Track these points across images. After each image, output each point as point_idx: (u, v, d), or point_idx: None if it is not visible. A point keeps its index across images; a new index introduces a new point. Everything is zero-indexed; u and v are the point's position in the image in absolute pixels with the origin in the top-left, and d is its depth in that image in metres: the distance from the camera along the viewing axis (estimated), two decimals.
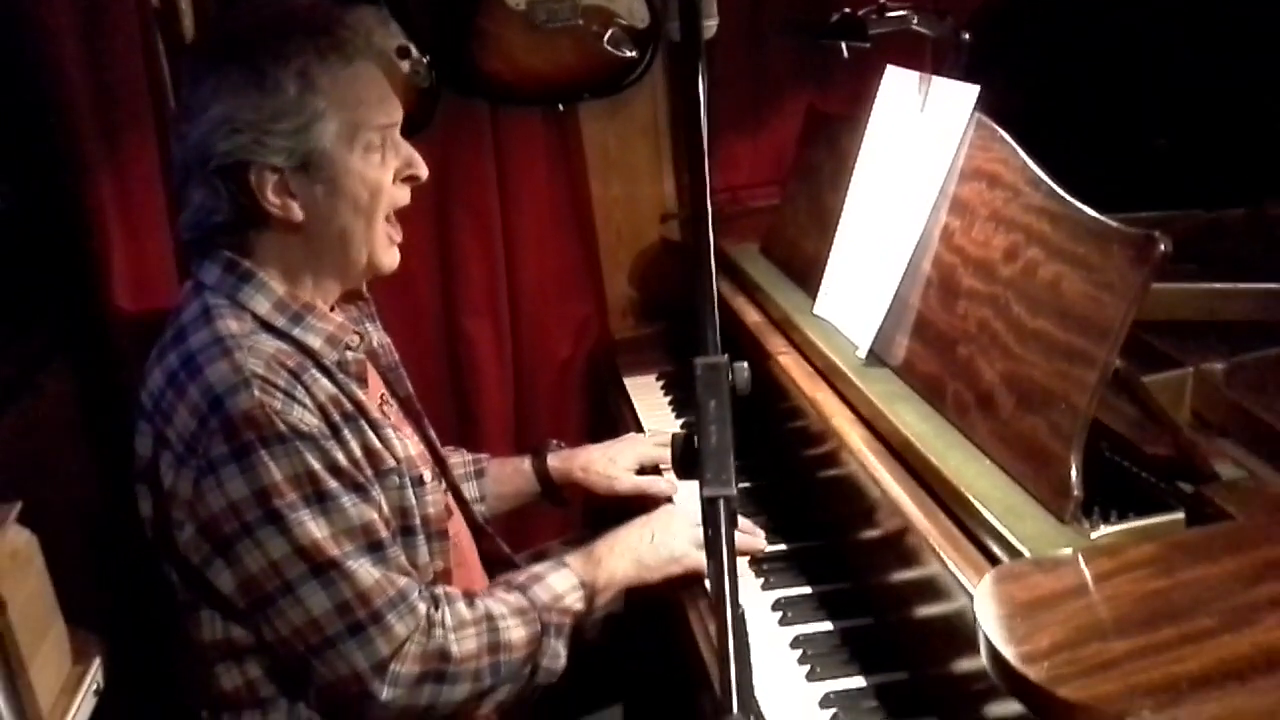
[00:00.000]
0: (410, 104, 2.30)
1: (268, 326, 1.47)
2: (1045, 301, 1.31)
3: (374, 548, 1.44)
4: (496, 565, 1.85)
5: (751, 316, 1.98)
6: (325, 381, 1.47)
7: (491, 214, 2.48)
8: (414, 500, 1.55)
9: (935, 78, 1.64)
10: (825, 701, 1.41)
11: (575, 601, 1.59)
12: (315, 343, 1.49)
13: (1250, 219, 2.04)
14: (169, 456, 1.43)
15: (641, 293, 2.66)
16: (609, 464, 1.96)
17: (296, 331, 1.48)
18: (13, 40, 1.72)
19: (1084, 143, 2.21)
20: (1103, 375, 1.20)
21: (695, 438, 1.06)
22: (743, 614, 1.03)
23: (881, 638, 1.50)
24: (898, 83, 1.74)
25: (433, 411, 2.43)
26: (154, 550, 1.50)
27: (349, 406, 1.49)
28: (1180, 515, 1.21)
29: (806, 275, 1.94)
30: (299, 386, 1.43)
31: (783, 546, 1.75)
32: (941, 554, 1.24)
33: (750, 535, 1.73)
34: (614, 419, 2.39)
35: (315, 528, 1.40)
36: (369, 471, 1.48)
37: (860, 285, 1.72)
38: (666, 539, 1.67)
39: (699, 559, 1.67)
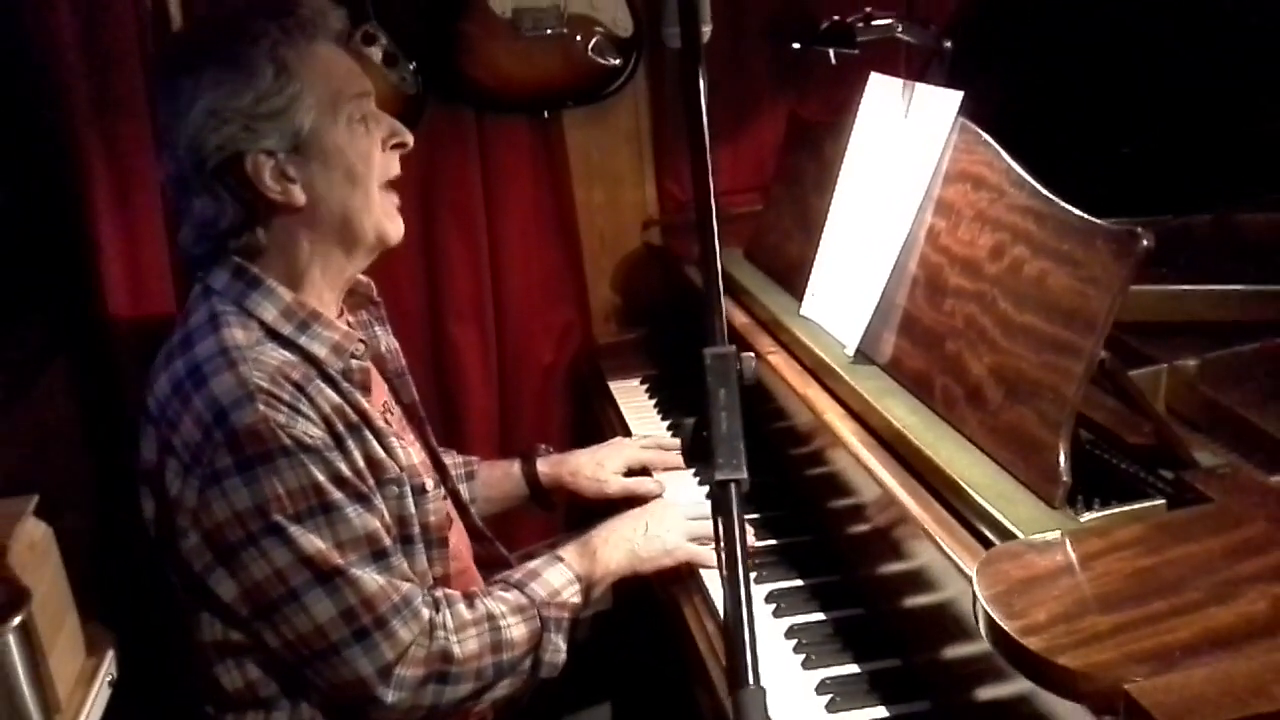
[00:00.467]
0: (396, 110, 2.35)
1: (274, 334, 1.48)
2: (1031, 296, 1.37)
3: (378, 555, 1.46)
4: (493, 568, 1.87)
5: (739, 318, 2.02)
6: (330, 392, 1.49)
7: (476, 220, 2.51)
8: (414, 509, 1.57)
9: (918, 84, 1.70)
10: (821, 687, 1.45)
11: (572, 595, 1.62)
12: (321, 351, 1.50)
13: (1216, 224, 2.11)
14: (175, 464, 1.44)
15: (624, 298, 2.70)
16: (597, 468, 1.99)
17: (302, 340, 1.50)
18: (13, 42, 1.74)
19: (1055, 150, 2.28)
20: (1089, 365, 1.25)
21: (704, 426, 1.10)
22: (752, 597, 1.07)
23: (873, 626, 1.55)
24: (881, 89, 1.79)
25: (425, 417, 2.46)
26: (156, 551, 1.51)
27: (353, 416, 1.50)
28: (1162, 502, 1.27)
29: (792, 278, 1.99)
30: (303, 399, 1.44)
31: (773, 541, 1.79)
32: (938, 540, 1.29)
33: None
34: (598, 423, 2.42)
35: (319, 538, 1.41)
36: (371, 481, 1.50)
37: (847, 286, 1.77)
38: (660, 531, 1.71)
39: (691, 551, 1.71)
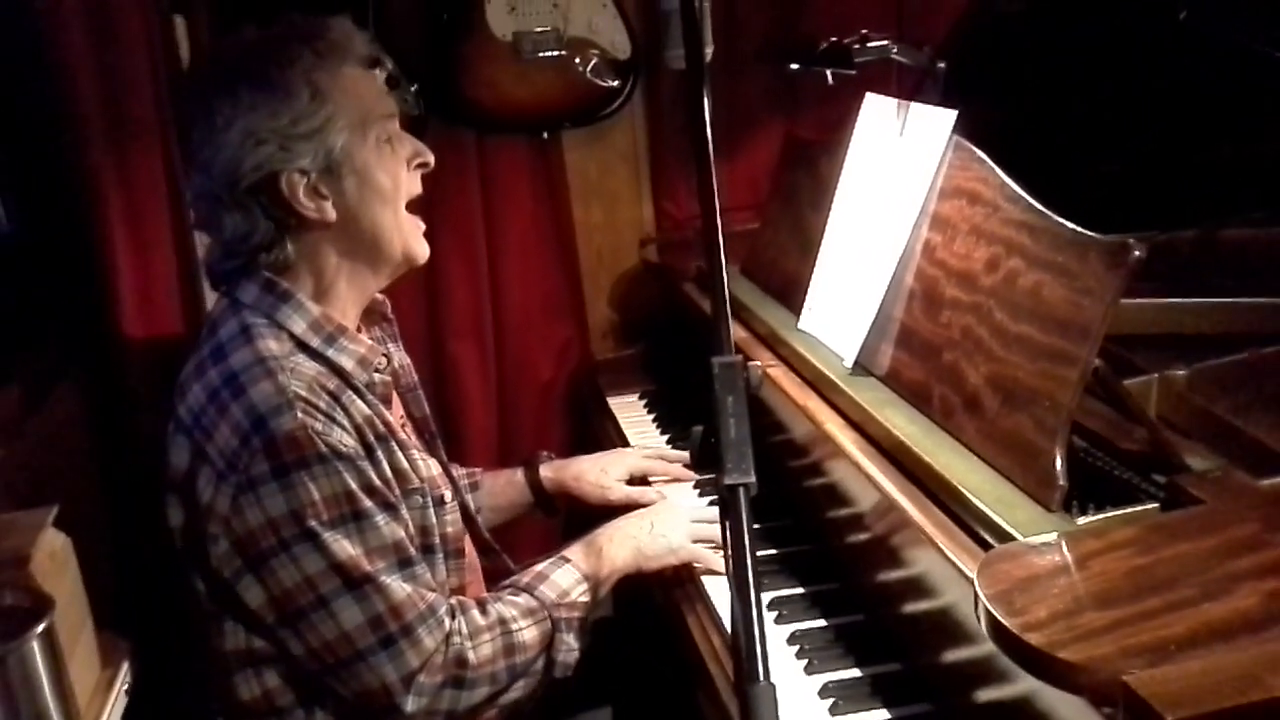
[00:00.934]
0: None
1: (304, 346, 1.52)
2: (1027, 307, 1.41)
3: (404, 564, 1.49)
4: (500, 579, 1.90)
5: (738, 333, 2.05)
6: (360, 403, 1.53)
7: (476, 238, 2.55)
8: (435, 519, 1.61)
9: (913, 104, 1.75)
10: (824, 691, 1.48)
11: (581, 595, 1.65)
12: (348, 364, 1.54)
13: (1201, 239, 2.16)
14: (208, 472, 1.46)
15: (622, 314, 2.74)
16: (601, 474, 2.03)
17: (330, 352, 1.53)
18: (25, 64, 1.77)
19: (1046, 167, 2.33)
20: (1084, 373, 1.29)
21: (712, 433, 1.14)
22: (761, 597, 1.11)
23: (874, 631, 1.58)
24: (877, 109, 1.84)
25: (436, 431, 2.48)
26: (181, 560, 1.53)
27: (381, 427, 1.54)
28: (1155, 505, 1.31)
29: (789, 294, 2.03)
30: (338, 408, 1.48)
31: (774, 551, 1.82)
32: (939, 544, 1.32)
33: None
34: (597, 438, 2.45)
35: (350, 545, 1.44)
36: (398, 491, 1.54)
37: (844, 300, 1.81)
38: (665, 530, 1.74)
39: (694, 551, 1.75)
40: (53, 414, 1.75)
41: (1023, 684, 1.16)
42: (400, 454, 1.56)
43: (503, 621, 1.57)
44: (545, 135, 2.54)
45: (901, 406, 1.60)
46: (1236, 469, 1.40)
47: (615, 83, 2.47)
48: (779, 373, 1.86)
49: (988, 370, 1.45)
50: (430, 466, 1.65)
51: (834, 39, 1.78)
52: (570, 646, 1.61)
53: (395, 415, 1.67)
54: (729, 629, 1.56)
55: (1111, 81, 2.23)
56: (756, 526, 1.86)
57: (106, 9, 1.83)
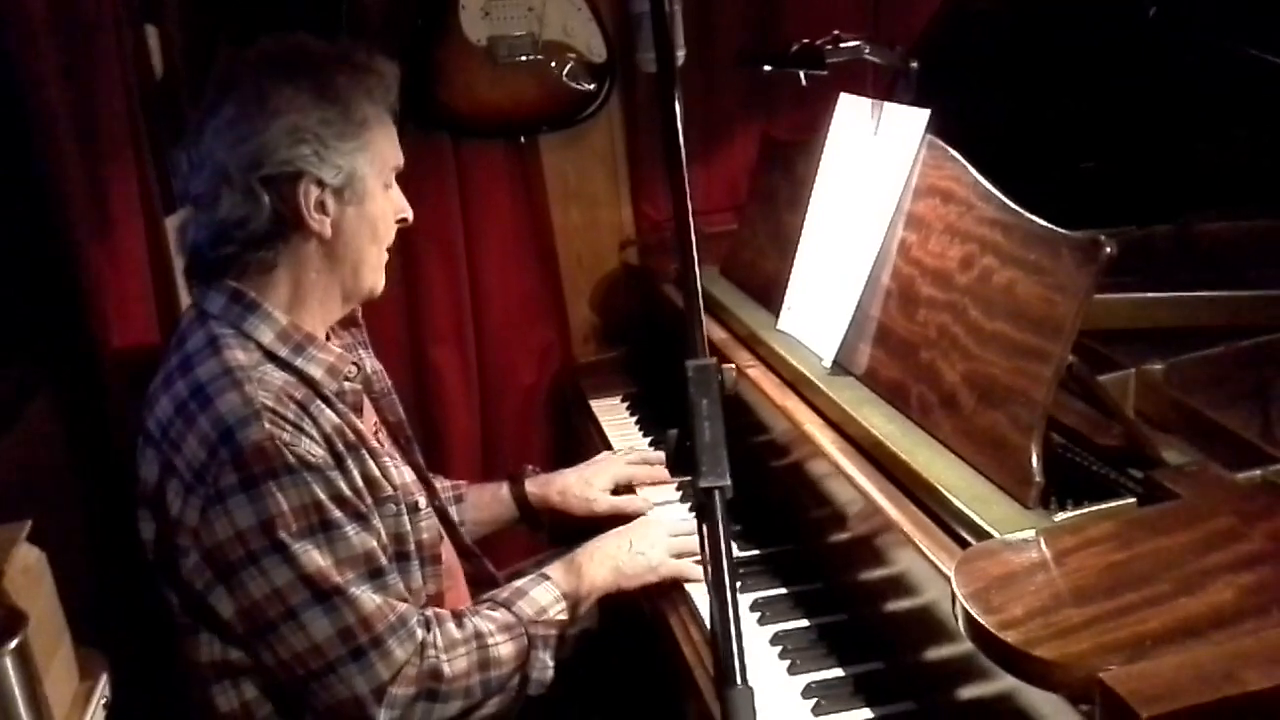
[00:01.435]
0: None
1: (272, 356, 1.52)
2: (1001, 305, 1.41)
3: (375, 574, 1.49)
4: (482, 585, 1.90)
5: (717, 334, 2.06)
6: (329, 412, 1.53)
7: (455, 243, 2.55)
8: (409, 526, 1.60)
9: (887, 103, 1.75)
10: (807, 691, 1.48)
11: (559, 613, 1.65)
12: (317, 373, 1.54)
13: (1177, 234, 2.17)
14: (176, 484, 1.46)
15: (603, 317, 2.74)
16: (585, 487, 2.02)
17: (299, 362, 1.53)
18: None
19: (1022, 165, 2.33)
20: (1058, 369, 1.30)
21: (687, 436, 1.14)
22: (738, 600, 1.11)
23: (856, 631, 1.58)
24: (851, 109, 1.84)
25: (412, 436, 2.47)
26: (153, 573, 1.53)
27: (351, 436, 1.54)
28: (1132, 500, 1.31)
29: (768, 294, 2.03)
30: (306, 418, 1.48)
31: (756, 552, 1.82)
32: (916, 543, 1.32)
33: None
34: (580, 442, 2.45)
35: (319, 556, 1.44)
36: (369, 500, 1.53)
37: (822, 300, 1.81)
38: (644, 548, 1.74)
39: (675, 567, 1.74)
40: (29, 427, 1.74)
41: (1004, 681, 1.16)
42: (371, 462, 1.56)
43: (479, 635, 1.57)
44: (522, 139, 2.54)
45: (880, 405, 1.60)
46: (1213, 463, 1.41)
47: (591, 86, 2.47)
48: (758, 373, 1.86)
49: (964, 368, 1.45)
50: (404, 473, 1.65)
51: (805, 40, 1.78)
52: (545, 664, 1.61)
53: (368, 422, 1.67)
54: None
55: (1086, 78, 2.24)
56: (739, 528, 1.89)
57: (76, 18, 1.81)
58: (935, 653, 1.36)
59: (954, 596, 1.13)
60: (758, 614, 1.66)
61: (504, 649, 1.58)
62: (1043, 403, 1.30)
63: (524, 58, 2.42)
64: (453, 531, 1.88)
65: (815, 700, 1.47)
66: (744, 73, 2.52)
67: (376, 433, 1.71)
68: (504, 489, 2.05)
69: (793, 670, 1.53)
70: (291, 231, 1.53)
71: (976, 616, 1.08)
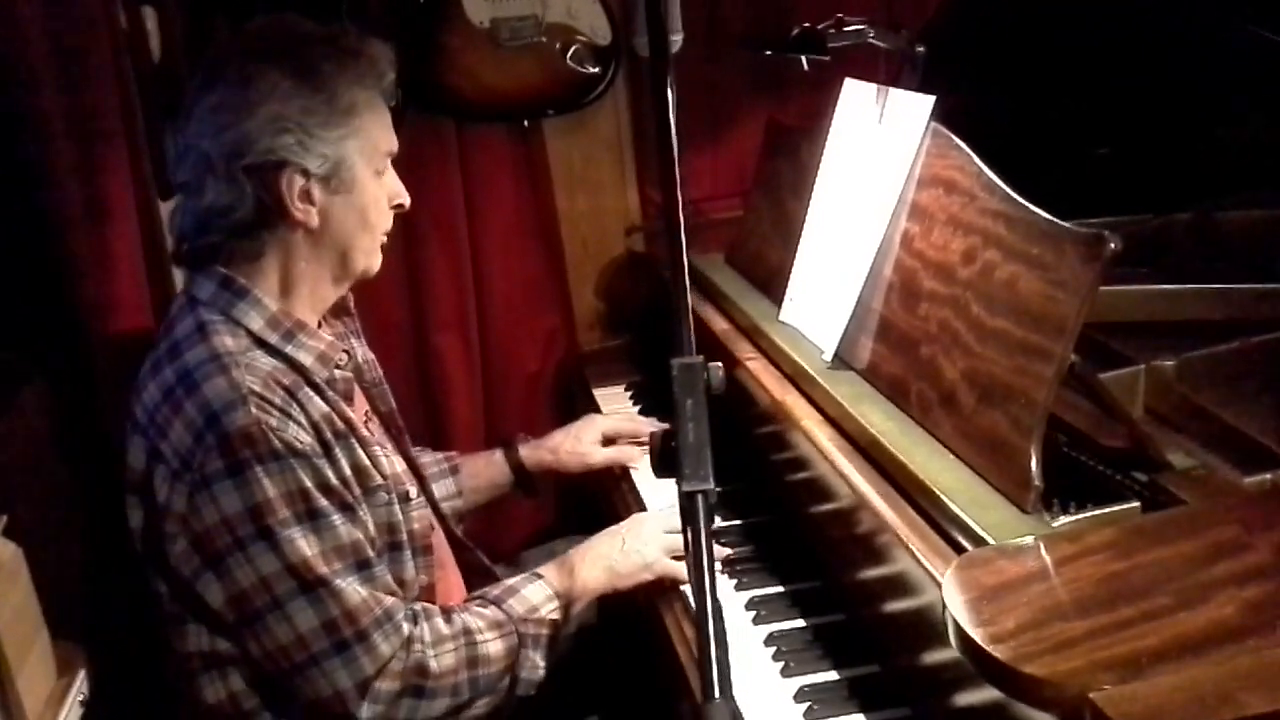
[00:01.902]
0: None
1: (261, 343, 1.50)
2: (1003, 301, 1.36)
3: (361, 566, 1.46)
4: (475, 575, 1.87)
5: (719, 324, 2.03)
6: (318, 400, 1.50)
7: (459, 229, 2.51)
8: (401, 516, 1.58)
9: (892, 89, 1.70)
10: (800, 695, 1.45)
11: (551, 612, 1.62)
12: (307, 360, 1.52)
13: (1196, 223, 2.11)
14: (164, 471, 1.44)
15: (608, 305, 2.70)
16: (576, 442, 2.04)
17: (289, 349, 1.51)
18: None
19: (1038, 150, 2.28)
20: (1059, 369, 1.25)
21: (672, 436, 1.10)
22: (720, 607, 1.07)
23: (853, 632, 1.54)
24: (856, 95, 1.79)
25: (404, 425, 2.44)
26: (142, 561, 1.52)
27: (340, 425, 1.51)
28: (1136, 504, 1.26)
29: (771, 284, 1.99)
30: (294, 404, 1.46)
31: (754, 548, 1.79)
32: (910, 546, 1.28)
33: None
34: None
35: (305, 545, 1.42)
36: (357, 490, 1.51)
37: (824, 292, 1.77)
38: (638, 546, 1.70)
39: (670, 565, 1.71)
40: (19, 416, 1.72)
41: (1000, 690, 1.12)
42: (361, 451, 1.53)
43: (468, 632, 1.54)
44: (526, 124, 2.49)
45: (879, 402, 1.56)
46: (1223, 464, 1.36)
47: (596, 69, 2.42)
48: (758, 366, 1.82)
49: (964, 365, 1.41)
50: (394, 463, 1.62)
51: (806, 24, 1.73)
52: (535, 664, 1.58)
53: (359, 411, 1.65)
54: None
55: (1103, 60, 2.18)
56: (739, 522, 1.85)
57: None
58: (931, 658, 1.32)
59: (945, 606, 1.08)
60: (753, 613, 1.63)
61: (493, 647, 1.55)
62: (1043, 404, 1.25)
63: (527, 40, 2.37)
64: (443, 522, 1.85)
65: (808, 704, 1.43)
66: (753, 55, 2.46)
67: (367, 422, 1.68)
68: (498, 454, 2.06)
69: (786, 673, 1.50)
70: (277, 221, 1.50)
71: (966, 629, 1.04)
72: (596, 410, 2.37)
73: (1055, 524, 1.23)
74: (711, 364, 1.16)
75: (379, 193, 1.57)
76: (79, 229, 1.83)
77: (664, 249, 1.28)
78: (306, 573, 1.41)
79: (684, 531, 1.07)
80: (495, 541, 2.49)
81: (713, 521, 1.06)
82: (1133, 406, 1.53)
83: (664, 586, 1.72)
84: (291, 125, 1.45)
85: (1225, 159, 2.12)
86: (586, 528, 2.26)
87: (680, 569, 1.71)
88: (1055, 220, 1.32)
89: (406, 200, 1.63)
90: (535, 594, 1.62)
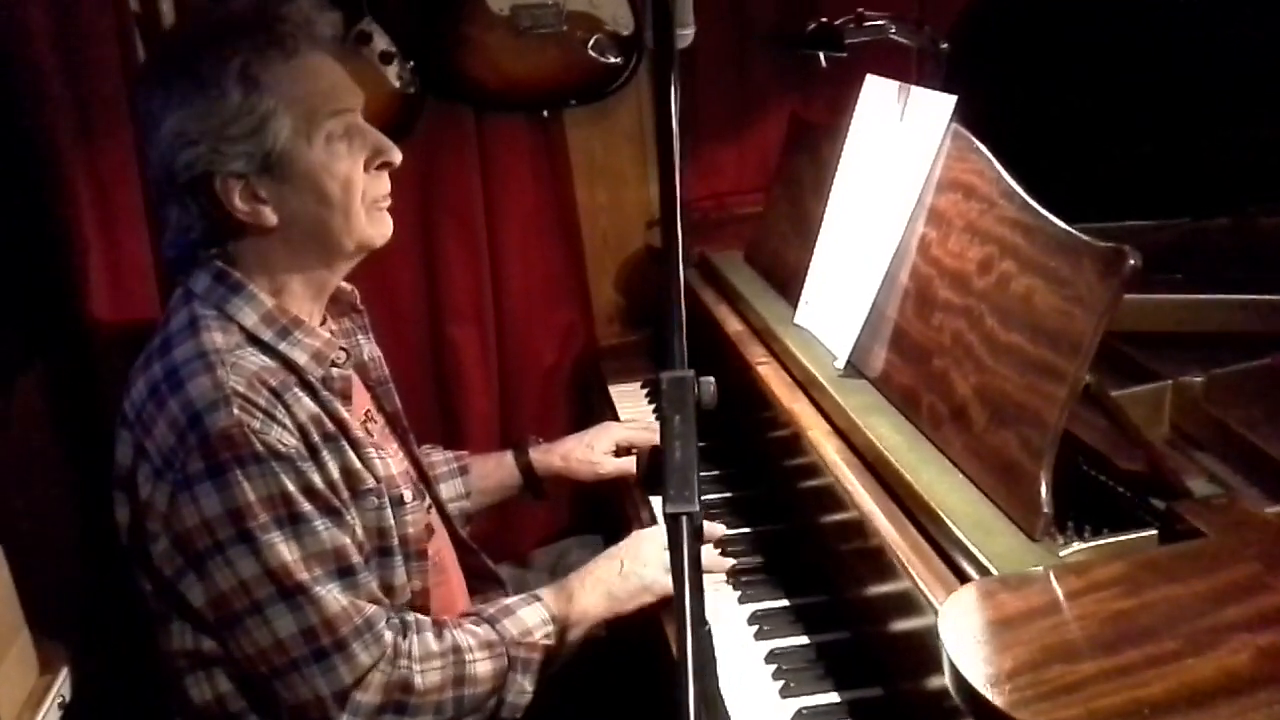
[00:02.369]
0: (394, 110, 2.31)
1: (254, 340, 1.46)
2: (1018, 315, 1.30)
3: (344, 573, 1.43)
4: (479, 579, 1.84)
5: (733, 325, 1.97)
6: (308, 400, 1.46)
7: (476, 220, 2.47)
8: (393, 520, 1.53)
9: (914, 87, 1.63)
10: (798, 717, 1.40)
11: (544, 637, 1.56)
12: (301, 358, 1.48)
13: (1236, 227, 2.03)
14: (147, 468, 1.42)
15: (628, 299, 2.65)
16: (588, 450, 1.98)
17: (283, 346, 1.47)
18: None
19: (1071, 151, 2.20)
20: (1072, 390, 1.19)
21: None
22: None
23: (857, 652, 1.49)
24: (877, 92, 1.73)
25: (417, 420, 2.41)
26: (129, 558, 1.49)
27: (330, 426, 1.47)
28: (1153, 532, 1.20)
29: (788, 284, 1.93)
30: (280, 406, 1.42)
31: (761, 559, 1.73)
32: (910, 569, 1.23)
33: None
34: None
35: (286, 550, 1.38)
36: (345, 494, 1.47)
37: (839, 295, 1.71)
38: (636, 568, 1.63)
39: (670, 586, 1.65)
40: (17, 405, 1.70)
41: None
42: (352, 453, 1.49)
43: (457, 650, 1.50)
44: (545, 114, 2.44)
45: (890, 414, 1.50)
46: (1250, 489, 1.30)
47: (618, 59, 2.36)
48: (769, 371, 1.77)
49: (976, 381, 1.35)
50: (389, 465, 1.57)
51: (824, 19, 1.66)
52: (523, 689, 1.53)
53: (359, 411, 1.61)
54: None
55: (1142, 55, 2.10)
56: (748, 531, 1.81)
57: None
58: (935, 684, 1.26)
59: (940, 642, 1.03)
60: (755, 627, 1.57)
61: (481, 667, 1.51)
62: (1054, 427, 1.19)
63: (548, 28, 2.32)
64: (448, 524, 1.81)
65: None
66: (779, 48, 2.40)
67: (367, 422, 1.64)
68: (508, 456, 2.01)
69: (785, 693, 1.44)
70: (234, 229, 1.45)
71: (961, 669, 0.98)
72: (611, 408, 2.33)
73: (1064, 553, 1.17)
74: (703, 378, 1.11)
75: (334, 163, 1.45)
76: (83, 208, 1.81)
77: (661, 258, 1.24)
78: (286, 578, 1.38)
79: (673, 553, 1.03)
80: (508, 540, 2.46)
81: (698, 545, 1.02)
82: (1158, 424, 1.47)
83: (668, 602, 1.67)
84: (195, 136, 1.39)
85: (1269, 161, 2.04)
86: (599, 529, 2.24)
87: None
88: (1073, 232, 1.25)
89: (394, 156, 1.51)
90: (531, 617, 1.57)
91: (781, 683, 1.46)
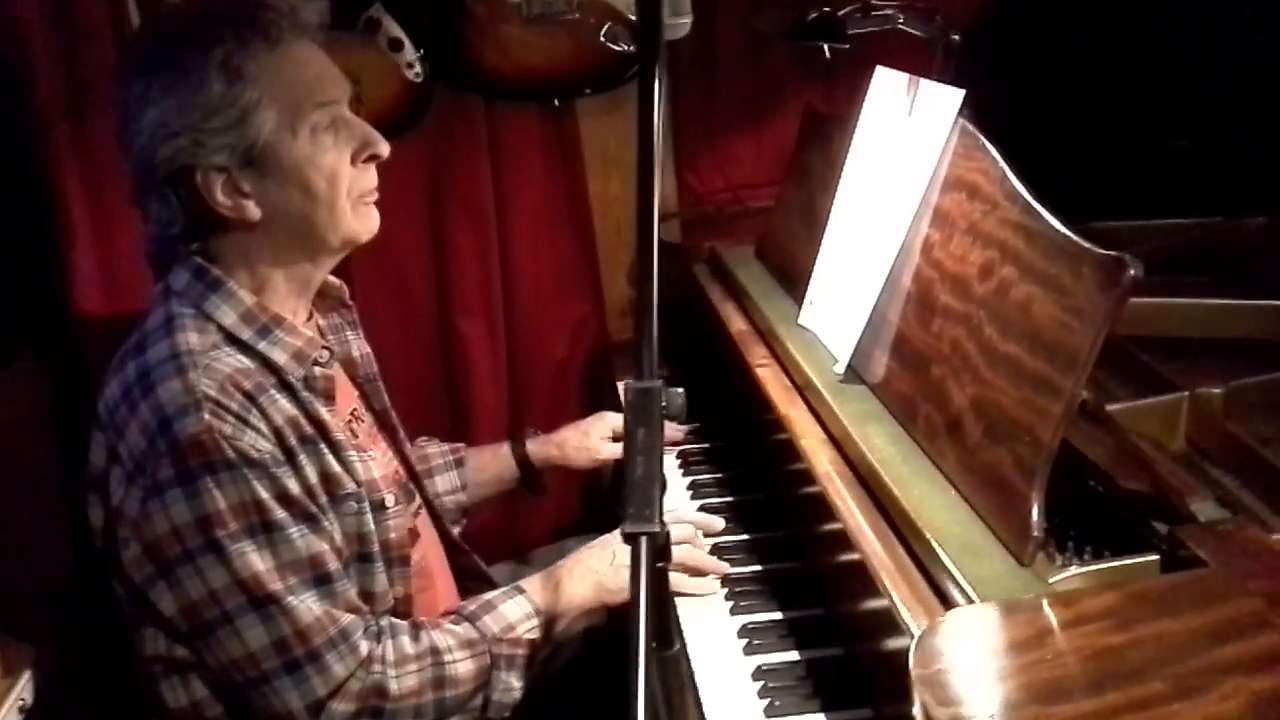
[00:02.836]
0: (403, 98, 2.27)
1: (232, 339, 1.41)
2: (1016, 324, 1.23)
3: (319, 581, 1.38)
4: (470, 580, 1.79)
5: (737, 325, 1.92)
6: (285, 402, 1.41)
7: (486, 211, 2.42)
8: (373, 526, 1.49)
9: (923, 80, 1.56)
10: None
11: (529, 631, 1.51)
12: (281, 358, 1.43)
13: (1271, 227, 1.94)
14: (119, 472, 1.38)
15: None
16: (584, 438, 1.95)
17: (262, 345, 1.43)
18: None
19: (1102, 147, 2.12)
20: (1068, 407, 1.12)
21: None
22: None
23: (846, 672, 1.42)
24: (886, 84, 1.66)
25: (425, 413, 2.38)
26: (102, 561, 1.46)
27: (308, 429, 1.43)
28: (1155, 558, 1.13)
29: (795, 282, 1.87)
30: (254, 410, 1.37)
31: (757, 568, 1.67)
32: (891, 589, 1.17)
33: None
34: None
35: (258, 559, 1.34)
36: (323, 499, 1.42)
37: (842, 297, 1.65)
38: (627, 559, 1.59)
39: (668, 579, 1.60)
40: (8, 397, 1.68)
41: None
42: (331, 457, 1.44)
43: (435, 651, 1.45)
44: (557, 103, 2.38)
45: (886, 423, 1.44)
46: (1264, 509, 1.22)
47: (632, 48, 2.30)
48: (768, 374, 1.72)
49: (973, 392, 1.28)
50: (371, 468, 1.52)
51: (825, 9, 1.59)
52: (509, 686, 1.48)
53: (345, 410, 1.56)
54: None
55: (1174, 47, 2.02)
56: (746, 538, 1.75)
57: None
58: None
59: (909, 676, 0.97)
60: (745, 641, 1.52)
61: (461, 667, 1.46)
62: (1049, 445, 1.12)
63: (561, 16, 2.26)
64: (438, 523, 1.77)
65: None
66: (782, 40, 2.33)
67: (355, 420, 1.60)
68: (505, 448, 1.97)
69: (770, 712, 1.39)
70: (215, 223, 1.41)
71: (929, 709, 0.92)
72: (619, 403, 2.28)
73: (1056, 578, 1.10)
74: (672, 389, 1.06)
75: (320, 156, 1.40)
76: (74, 201, 1.79)
77: (639, 257, 1.19)
78: (257, 588, 1.34)
79: (632, 574, 0.98)
80: (511, 539, 2.42)
81: (659, 563, 0.97)
82: (1173, 437, 1.40)
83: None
84: (177, 128, 1.34)
85: None
86: (601, 527, 2.19)
87: (677, 580, 1.61)
88: (1075, 237, 1.18)
89: (381, 148, 1.46)
90: (513, 611, 1.52)
91: (767, 701, 1.40)
